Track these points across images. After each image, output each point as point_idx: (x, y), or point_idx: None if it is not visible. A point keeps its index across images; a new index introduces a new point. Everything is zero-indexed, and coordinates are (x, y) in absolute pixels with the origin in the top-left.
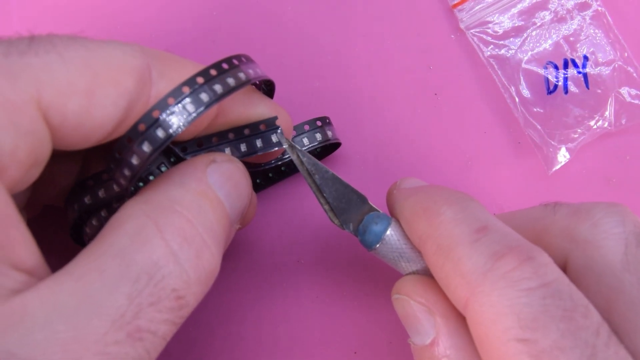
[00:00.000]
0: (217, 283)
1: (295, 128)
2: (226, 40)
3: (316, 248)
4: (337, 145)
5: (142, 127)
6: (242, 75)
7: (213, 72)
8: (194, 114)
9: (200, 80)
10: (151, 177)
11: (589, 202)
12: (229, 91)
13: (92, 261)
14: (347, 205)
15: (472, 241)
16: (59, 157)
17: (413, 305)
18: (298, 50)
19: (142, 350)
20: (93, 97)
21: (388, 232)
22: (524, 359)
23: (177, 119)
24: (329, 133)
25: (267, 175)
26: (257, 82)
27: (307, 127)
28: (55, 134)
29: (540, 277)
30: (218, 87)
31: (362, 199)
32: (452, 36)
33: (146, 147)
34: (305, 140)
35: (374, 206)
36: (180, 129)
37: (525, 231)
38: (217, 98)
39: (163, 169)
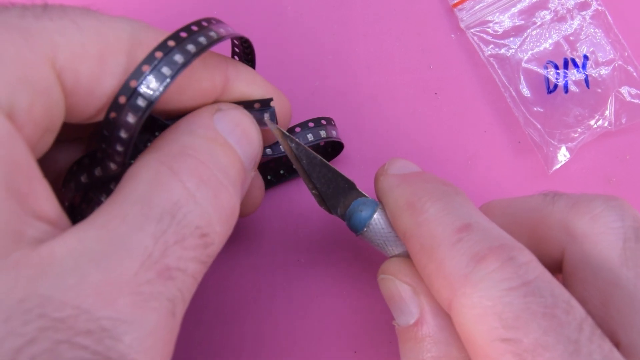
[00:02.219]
0: (217, 282)
1: (300, 125)
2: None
3: (316, 248)
4: (339, 150)
5: (122, 99)
6: (213, 34)
7: (183, 34)
8: (171, 76)
9: (171, 43)
10: None
11: (588, 194)
12: (201, 49)
13: (114, 209)
14: (335, 190)
15: (454, 242)
16: (62, 142)
17: (398, 285)
18: (298, 50)
19: (174, 290)
20: (105, 64)
21: (374, 218)
22: (509, 358)
23: (155, 84)
24: (333, 132)
25: (265, 178)
26: (238, 50)
27: (311, 125)
28: (68, 99)
29: (521, 276)
30: (191, 47)
31: (350, 185)
32: (453, 35)
33: (131, 118)
34: (310, 137)
35: (361, 192)
36: (158, 93)
37: (522, 221)
38: (190, 57)
39: None
